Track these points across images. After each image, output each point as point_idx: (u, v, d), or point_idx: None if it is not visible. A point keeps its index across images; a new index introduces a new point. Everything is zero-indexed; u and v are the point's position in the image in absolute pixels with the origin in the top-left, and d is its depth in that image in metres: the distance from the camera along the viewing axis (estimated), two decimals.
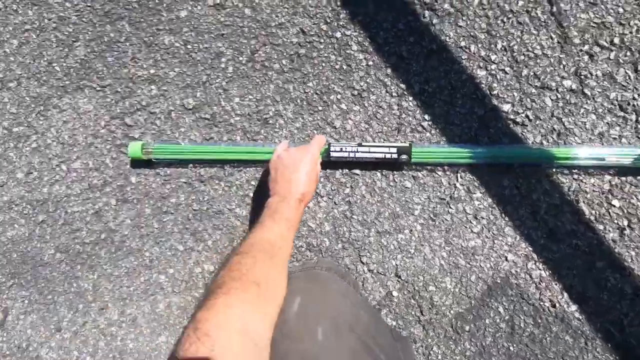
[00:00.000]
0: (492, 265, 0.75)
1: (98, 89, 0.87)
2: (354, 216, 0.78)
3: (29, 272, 0.88)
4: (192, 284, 0.84)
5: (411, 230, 0.77)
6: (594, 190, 0.72)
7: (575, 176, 0.72)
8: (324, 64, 0.80)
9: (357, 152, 0.73)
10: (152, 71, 0.85)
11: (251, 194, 0.82)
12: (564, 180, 0.73)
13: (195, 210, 0.83)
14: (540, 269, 0.74)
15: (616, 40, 0.71)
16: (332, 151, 0.73)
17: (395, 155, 0.72)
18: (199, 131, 0.83)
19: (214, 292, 0.39)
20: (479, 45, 0.75)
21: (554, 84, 0.73)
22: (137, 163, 0.84)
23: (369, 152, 0.72)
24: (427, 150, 0.73)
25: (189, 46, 0.84)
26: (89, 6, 0.87)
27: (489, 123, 0.75)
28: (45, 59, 0.88)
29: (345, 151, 0.73)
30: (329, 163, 0.75)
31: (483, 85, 0.75)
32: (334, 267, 0.66)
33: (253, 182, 0.82)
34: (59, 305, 0.87)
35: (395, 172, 0.77)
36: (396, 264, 0.77)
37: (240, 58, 0.82)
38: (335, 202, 0.79)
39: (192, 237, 0.83)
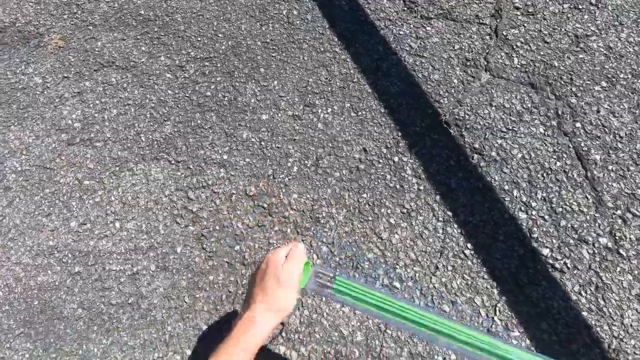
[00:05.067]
0: None
1: (172, 162, 0.97)
2: (388, 330, 0.77)
3: (43, 324, 0.85)
4: None
5: (445, 358, 0.75)
6: None
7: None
8: (379, 180, 0.89)
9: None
10: (225, 157, 0.95)
11: None
12: (604, 337, 0.73)
13: (230, 292, 0.84)
14: None
15: None
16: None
17: None
18: (254, 217, 0.89)
19: None
20: (521, 192, 0.84)
21: (590, 238, 0.79)
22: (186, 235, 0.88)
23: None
24: None
25: (262, 143, 0.96)
26: (187, 97, 1.03)
27: (528, 263, 0.79)
28: (135, 130, 1.01)
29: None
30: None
31: (524, 227, 0.81)
32: None
33: None
34: None
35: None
36: None
37: (306, 161, 0.92)
38: None
39: (220, 319, 0.82)
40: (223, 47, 1.09)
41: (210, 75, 1.05)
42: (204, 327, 0.82)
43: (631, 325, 0.72)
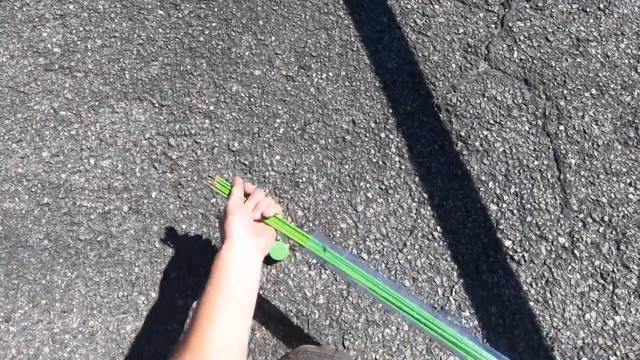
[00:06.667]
0: None
1: (156, 105, 0.93)
2: (349, 297, 0.81)
3: (7, 250, 0.84)
4: (169, 315, 0.81)
5: (398, 328, 0.80)
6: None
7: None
8: (363, 154, 0.89)
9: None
10: (211, 108, 0.93)
11: None
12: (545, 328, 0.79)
13: (201, 242, 0.85)
14: None
15: (606, 218, 0.84)
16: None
17: None
18: (234, 172, 0.88)
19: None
20: (496, 184, 0.87)
21: (550, 237, 0.83)
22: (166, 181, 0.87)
23: None
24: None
25: (252, 99, 0.94)
26: (178, 38, 0.98)
27: (490, 252, 0.83)
28: (119, 65, 0.96)
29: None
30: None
31: (492, 218, 0.85)
32: None
33: None
34: (21, 294, 0.82)
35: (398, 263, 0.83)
36: (376, 358, 0.78)
37: (294, 124, 0.91)
38: (336, 279, 0.82)
39: (188, 267, 0.83)
40: None
41: (205, 20, 1.00)
42: (172, 273, 0.83)
43: (570, 318, 0.79)
